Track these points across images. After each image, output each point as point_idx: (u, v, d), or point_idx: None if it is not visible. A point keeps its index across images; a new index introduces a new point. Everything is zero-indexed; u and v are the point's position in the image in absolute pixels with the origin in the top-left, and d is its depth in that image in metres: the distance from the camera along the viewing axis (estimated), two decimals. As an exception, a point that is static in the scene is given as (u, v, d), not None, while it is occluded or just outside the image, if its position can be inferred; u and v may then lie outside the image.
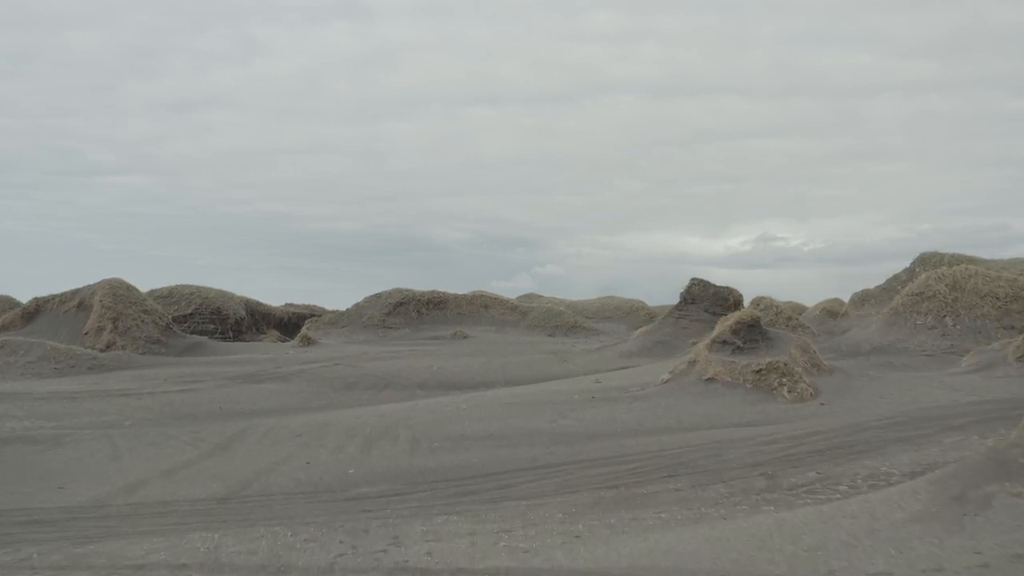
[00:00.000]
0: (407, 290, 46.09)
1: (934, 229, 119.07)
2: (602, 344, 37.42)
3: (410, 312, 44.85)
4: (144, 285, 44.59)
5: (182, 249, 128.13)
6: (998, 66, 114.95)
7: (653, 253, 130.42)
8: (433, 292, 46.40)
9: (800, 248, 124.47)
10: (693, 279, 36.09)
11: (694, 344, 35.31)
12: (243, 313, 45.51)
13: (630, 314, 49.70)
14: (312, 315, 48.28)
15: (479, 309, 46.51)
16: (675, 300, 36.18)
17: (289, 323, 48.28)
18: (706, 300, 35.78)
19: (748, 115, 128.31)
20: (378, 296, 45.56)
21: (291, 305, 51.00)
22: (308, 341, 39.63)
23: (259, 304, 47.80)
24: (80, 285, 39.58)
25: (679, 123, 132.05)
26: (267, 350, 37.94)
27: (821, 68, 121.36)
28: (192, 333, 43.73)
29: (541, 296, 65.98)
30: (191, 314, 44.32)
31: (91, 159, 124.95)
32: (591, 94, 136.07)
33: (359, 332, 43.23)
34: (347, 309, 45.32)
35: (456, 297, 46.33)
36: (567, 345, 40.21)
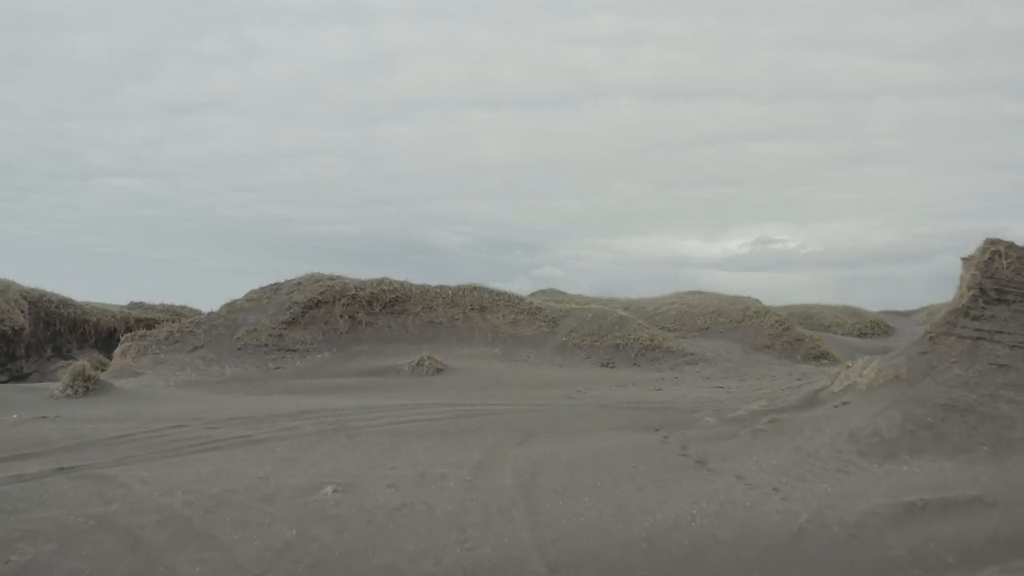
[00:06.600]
0: (333, 277, 24.59)
1: (933, 233, 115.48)
2: (762, 398, 16.11)
3: (336, 319, 23.36)
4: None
5: (181, 252, 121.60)
6: (999, 70, 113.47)
7: (652, 256, 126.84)
8: (383, 281, 24.97)
9: (798, 251, 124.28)
10: (990, 240, 15.13)
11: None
12: (21, 321, 24.08)
13: (743, 323, 28.03)
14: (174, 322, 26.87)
15: (469, 314, 25.28)
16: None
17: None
18: (1031, 292, 14.76)
19: (747, 118, 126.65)
20: (275, 288, 24.01)
21: (139, 305, 29.16)
22: (88, 386, 18.36)
23: (68, 303, 26.19)
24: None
25: (678, 126, 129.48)
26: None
27: (820, 71, 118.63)
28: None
29: (563, 292, 44.18)
30: (-90, 322, 23.01)
31: (90, 162, 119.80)
32: (590, 97, 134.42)
33: (230, 358, 21.83)
34: (209, 313, 23.77)
35: (426, 292, 24.95)
36: (652, 389, 18.97)
